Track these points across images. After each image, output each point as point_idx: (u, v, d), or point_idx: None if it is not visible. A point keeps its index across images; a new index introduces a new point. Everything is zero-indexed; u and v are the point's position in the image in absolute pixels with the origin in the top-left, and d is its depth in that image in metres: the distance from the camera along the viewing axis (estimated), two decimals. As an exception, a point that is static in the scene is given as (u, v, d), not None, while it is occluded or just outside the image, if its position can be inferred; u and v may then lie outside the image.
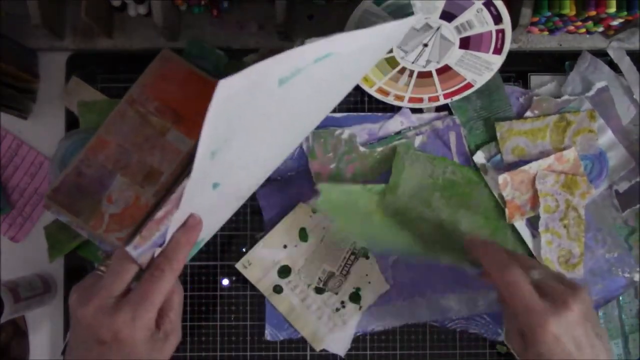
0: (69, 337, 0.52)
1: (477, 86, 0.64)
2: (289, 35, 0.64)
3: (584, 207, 0.64)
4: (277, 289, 0.67)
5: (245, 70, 0.41)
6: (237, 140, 0.49)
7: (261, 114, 0.49)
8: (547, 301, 0.51)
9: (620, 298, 0.66)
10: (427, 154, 0.66)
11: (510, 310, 0.53)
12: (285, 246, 0.67)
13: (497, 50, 0.59)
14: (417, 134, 0.66)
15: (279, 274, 0.67)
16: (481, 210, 0.66)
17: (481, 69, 0.61)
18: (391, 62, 0.61)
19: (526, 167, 0.64)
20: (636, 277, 0.65)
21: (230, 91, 0.41)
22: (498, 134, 0.65)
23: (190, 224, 0.53)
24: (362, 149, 0.66)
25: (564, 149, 0.65)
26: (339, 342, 0.66)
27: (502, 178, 0.64)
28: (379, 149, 0.66)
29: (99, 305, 0.49)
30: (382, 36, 0.54)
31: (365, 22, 0.57)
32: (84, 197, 0.60)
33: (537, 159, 0.64)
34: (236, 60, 0.66)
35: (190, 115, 0.62)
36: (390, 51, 0.60)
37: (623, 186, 0.66)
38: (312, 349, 0.66)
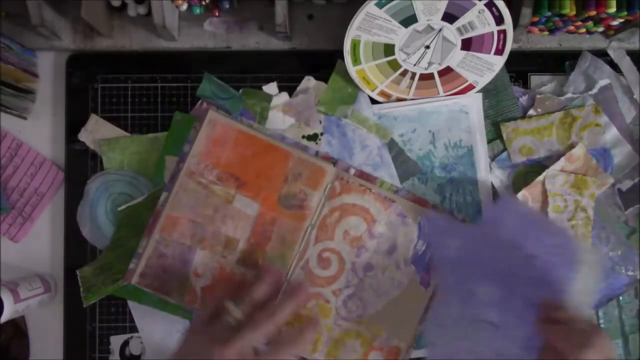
0: None
1: (478, 87, 0.64)
2: (289, 35, 0.64)
3: (593, 207, 0.64)
4: None
5: None
6: None
7: None
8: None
9: (621, 298, 0.66)
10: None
11: None
12: None
13: (499, 51, 0.59)
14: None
15: None
16: None
17: (483, 69, 0.61)
18: (393, 64, 0.61)
19: (540, 177, 0.64)
20: (639, 276, 0.65)
21: None
22: (504, 135, 0.65)
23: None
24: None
25: (572, 145, 0.65)
26: None
27: (522, 195, 0.64)
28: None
29: (240, 351, 0.51)
30: None
31: (366, 25, 0.57)
32: (171, 276, 0.62)
33: (545, 156, 0.65)
34: (253, 87, 0.66)
35: (251, 178, 0.63)
36: (393, 54, 0.60)
37: (626, 184, 0.66)
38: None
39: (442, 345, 0.62)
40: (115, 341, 0.66)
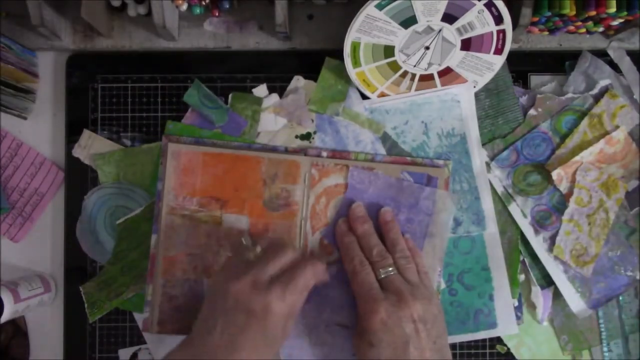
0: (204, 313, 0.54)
1: (478, 87, 0.64)
2: (289, 35, 0.64)
3: (615, 212, 0.64)
4: None
5: None
6: None
7: None
8: (388, 294, 0.54)
9: (621, 298, 0.66)
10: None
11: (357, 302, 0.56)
12: None
13: (498, 51, 0.59)
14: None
15: None
16: None
17: (482, 69, 0.61)
18: (393, 66, 0.61)
19: (578, 157, 0.64)
20: (638, 276, 0.65)
21: None
22: (554, 176, 0.64)
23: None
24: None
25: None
26: None
27: (556, 174, 0.64)
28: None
29: (253, 281, 0.52)
30: None
31: (366, 27, 0.57)
32: (188, 314, 0.62)
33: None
34: (252, 87, 0.66)
35: (230, 194, 0.63)
36: (393, 55, 0.60)
37: (632, 184, 0.66)
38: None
39: (300, 355, 0.62)
40: (124, 354, 0.66)
